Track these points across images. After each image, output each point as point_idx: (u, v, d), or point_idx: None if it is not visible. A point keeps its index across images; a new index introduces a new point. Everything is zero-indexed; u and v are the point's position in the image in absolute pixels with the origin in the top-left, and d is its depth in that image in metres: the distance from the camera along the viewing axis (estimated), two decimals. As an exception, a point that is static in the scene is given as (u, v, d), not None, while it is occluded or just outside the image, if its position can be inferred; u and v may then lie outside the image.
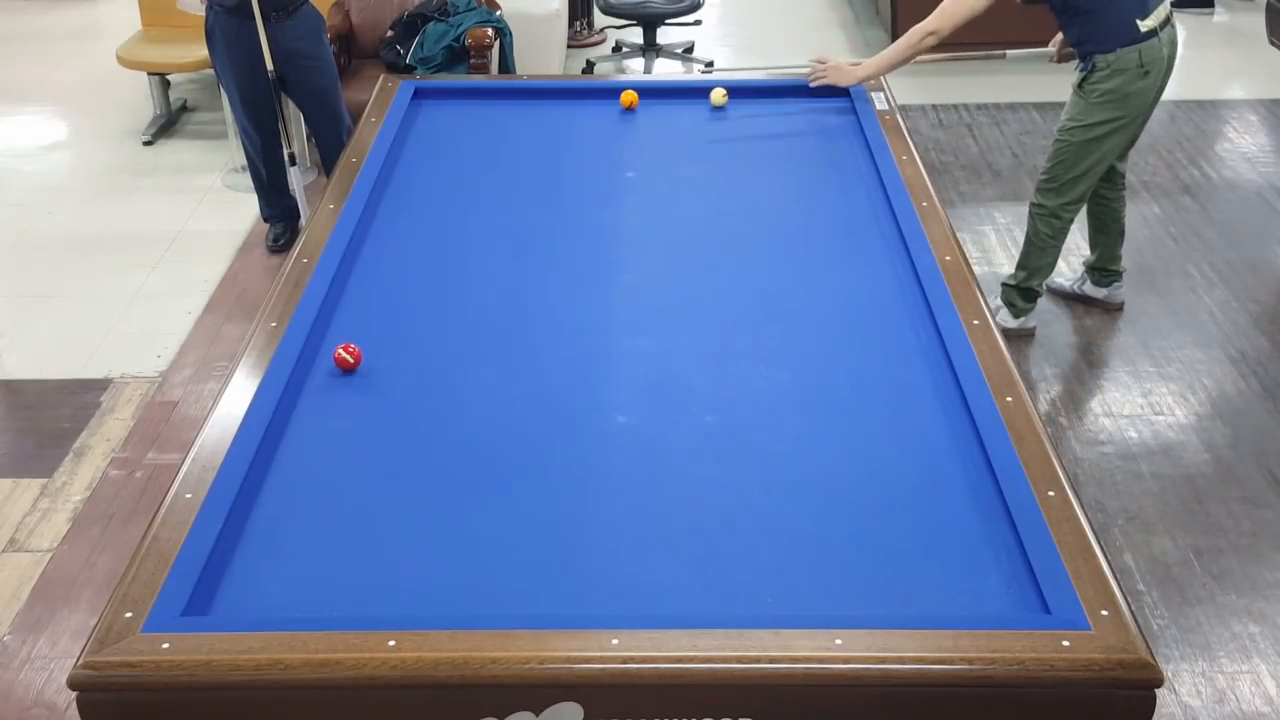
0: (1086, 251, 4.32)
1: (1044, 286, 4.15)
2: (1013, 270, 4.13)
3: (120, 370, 4.05)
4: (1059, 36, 3.96)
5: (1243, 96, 6.02)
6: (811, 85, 3.56)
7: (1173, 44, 3.74)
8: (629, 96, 3.55)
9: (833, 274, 2.74)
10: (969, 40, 3.81)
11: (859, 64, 3.57)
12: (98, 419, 3.81)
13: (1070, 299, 4.33)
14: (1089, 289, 4.30)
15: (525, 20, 5.50)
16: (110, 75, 6.10)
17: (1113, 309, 4.27)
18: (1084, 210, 4.11)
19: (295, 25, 4.36)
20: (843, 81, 3.54)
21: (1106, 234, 4.19)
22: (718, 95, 3.57)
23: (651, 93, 3.64)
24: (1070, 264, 4.42)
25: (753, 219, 3.01)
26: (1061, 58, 4.04)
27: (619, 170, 3.26)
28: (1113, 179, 4.05)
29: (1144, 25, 3.63)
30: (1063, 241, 3.99)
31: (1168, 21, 3.70)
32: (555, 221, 2.98)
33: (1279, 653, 2.92)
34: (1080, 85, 3.77)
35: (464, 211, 3.03)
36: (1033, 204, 3.99)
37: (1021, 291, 4.06)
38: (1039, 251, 3.99)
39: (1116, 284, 4.27)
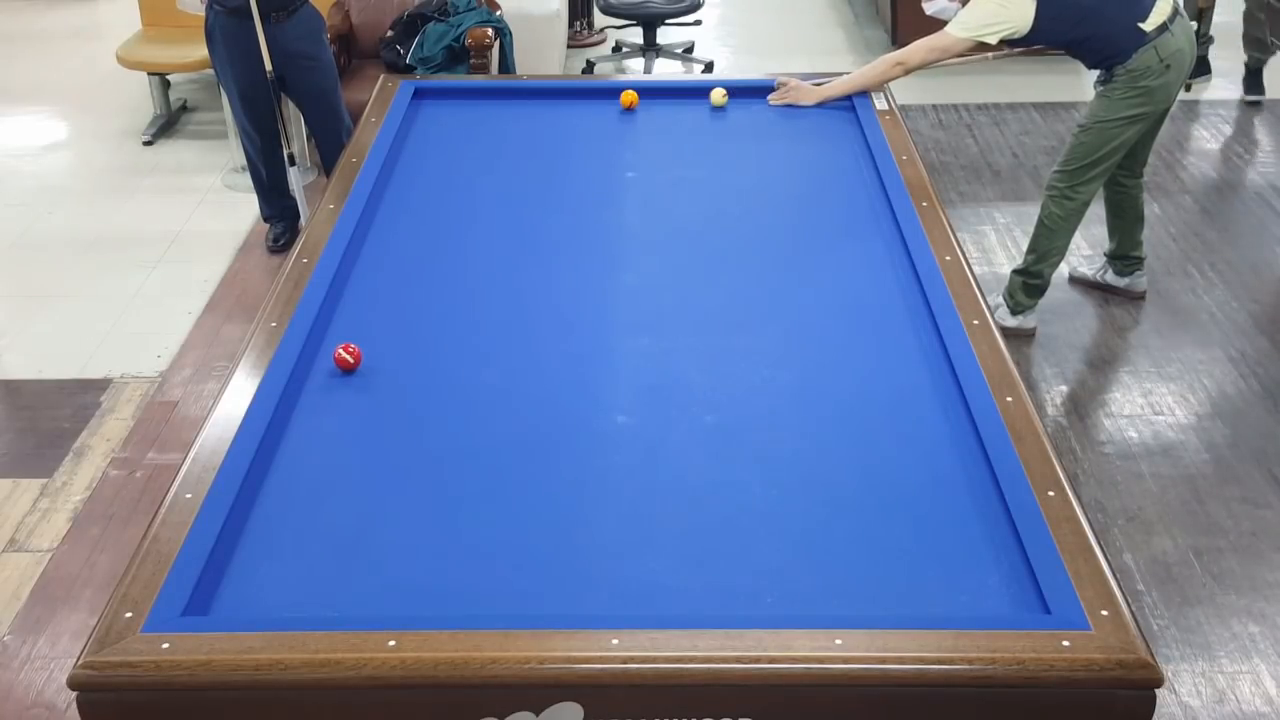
0: (1087, 249, 4.32)
1: (1066, 277, 4.14)
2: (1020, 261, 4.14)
3: (120, 370, 4.05)
4: None
5: (1243, 96, 6.01)
6: (770, 102, 3.57)
7: (1188, 37, 3.75)
8: (629, 96, 3.55)
9: (833, 274, 2.74)
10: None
11: (822, 84, 3.58)
12: (98, 419, 3.81)
13: (1094, 289, 4.36)
14: (1110, 278, 4.34)
15: (525, 20, 5.51)
16: (110, 75, 6.11)
17: (1135, 298, 4.31)
18: (1100, 203, 4.15)
19: (295, 26, 4.36)
20: (805, 100, 3.55)
21: (1123, 219, 4.21)
22: (718, 95, 3.57)
23: (651, 93, 3.64)
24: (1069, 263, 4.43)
25: (753, 219, 3.01)
26: None
27: (619, 170, 3.26)
28: (1132, 167, 4.07)
29: (1148, 25, 3.63)
30: (1074, 226, 3.99)
31: (1176, 14, 3.71)
32: (555, 221, 2.98)
33: (1279, 653, 2.92)
34: (1103, 84, 3.78)
35: (464, 211, 3.03)
36: (1047, 185, 4.00)
37: (1026, 284, 4.06)
38: (1049, 233, 3.99)
39: (1138, 272, 4.30)
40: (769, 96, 3.59)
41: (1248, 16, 5.70)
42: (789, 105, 3.56)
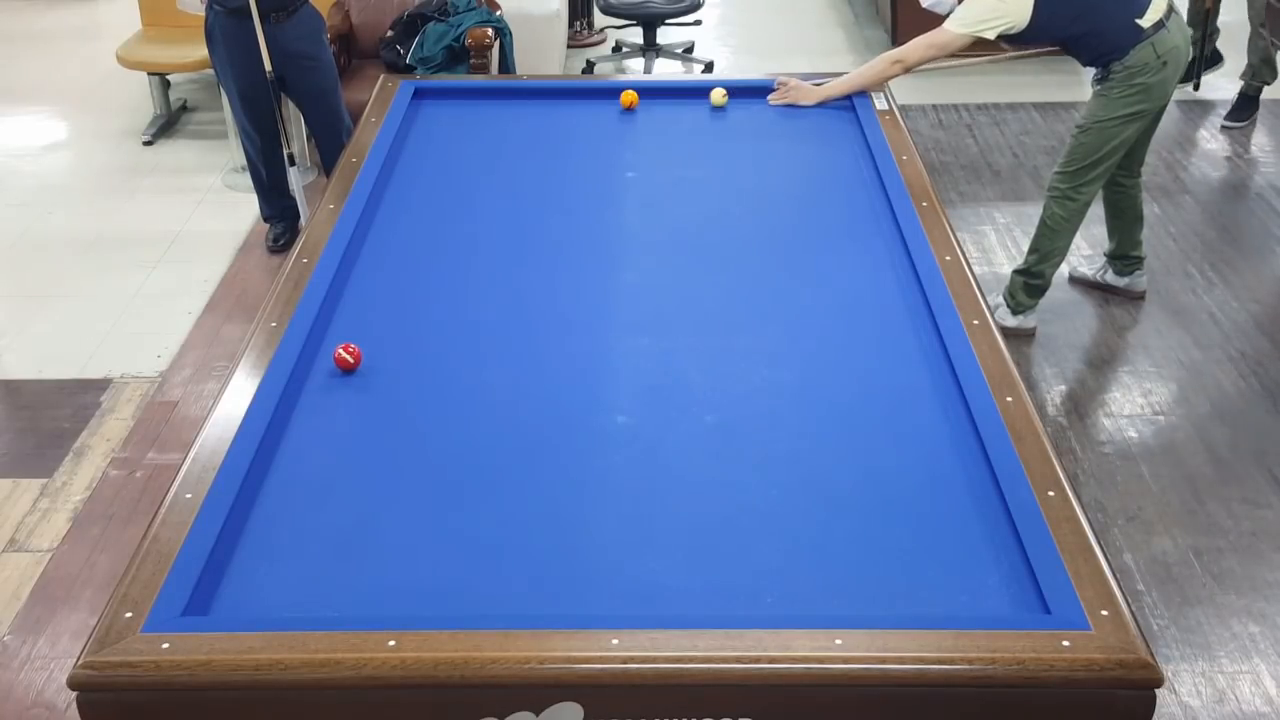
0: (1087, 249, 4.32)
1: (1066, 277, 4.13)
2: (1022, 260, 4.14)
3: (120, 370, 4.05)
4: None
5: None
6: (770, 102, 3.57)
7: (1184, 34, 3.75)
8: (629, 96, 3.55)
9: (833, 274, 2.74)
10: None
11: (822, 84, 3.58)
12: (98, 419, 3.81)
13: (1094, 289, 4.36)
14: (1110, 278, 4.34)
15: (525, 20, 5.51)
16: (110, 75, 6.11)
17: (1135, 297, 4.31)
18: (1100, 203, 4.15)
19: (295, 26, 4.36)
20: (804, 100, 3.55)
21: (1123, 220, 4.22)
22: (718, 95, 3.57)
23: (651, 93, 3.64)
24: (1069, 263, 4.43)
25: (753, 219, 3.00)
26: None
27: (619, 170, 3.26)
28: (1130, 166, 4.07)
29: (1145, 22, 3.63)
30: (1076, 226, 3.99)
31: (1171, 10, 3.71)
32: (555, 221, 2.98)
33: (1279, 653, 2.92)
34: (1100, 83, 3.78)
35: (464, 211, 3.03)
36: (1049, 186, 4.00)
37: (1028, 284, 4.06)
38: (1052, 234, 3.99)
39: (1138, 272, 4.31)
40: (769, 96, 3.59)
41: (1253, 36, 5.54)
42: (789, 105, 3.56)
